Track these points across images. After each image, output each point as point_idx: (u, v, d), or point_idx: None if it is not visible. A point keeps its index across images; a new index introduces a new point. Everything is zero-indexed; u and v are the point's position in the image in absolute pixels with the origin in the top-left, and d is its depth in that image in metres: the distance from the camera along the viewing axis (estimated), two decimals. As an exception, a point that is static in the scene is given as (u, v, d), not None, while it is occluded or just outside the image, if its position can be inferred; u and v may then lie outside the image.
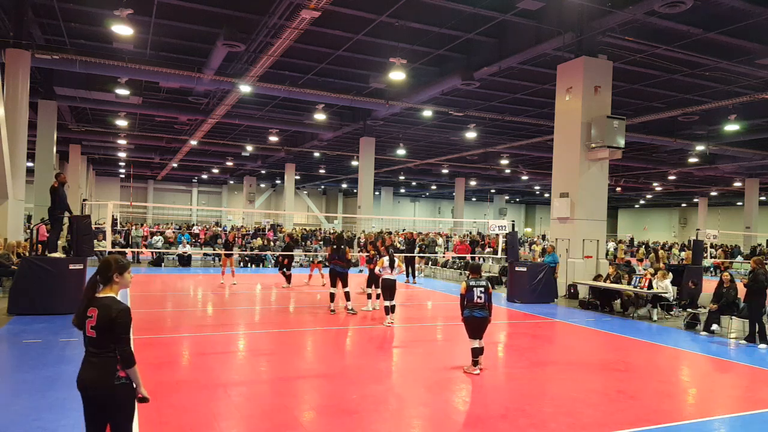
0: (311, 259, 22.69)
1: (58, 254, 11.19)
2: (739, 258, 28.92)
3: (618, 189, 35.76)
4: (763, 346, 9.53)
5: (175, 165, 39.59)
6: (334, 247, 11.60)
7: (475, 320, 7.00)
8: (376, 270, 10.68)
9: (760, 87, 16.98)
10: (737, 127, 21.09)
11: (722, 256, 28.36)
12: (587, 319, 11.89)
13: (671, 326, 11.42)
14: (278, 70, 17.47)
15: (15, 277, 10.35)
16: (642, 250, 30.18)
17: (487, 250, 24.11)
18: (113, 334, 3.22)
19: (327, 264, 13.61)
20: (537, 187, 48.41)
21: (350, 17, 13.76)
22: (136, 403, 3.38)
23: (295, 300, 13.67)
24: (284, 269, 15.62)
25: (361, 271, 21.63)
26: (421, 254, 22.69)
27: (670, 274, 12.70)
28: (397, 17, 13.55)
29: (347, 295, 11.54)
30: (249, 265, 23.15)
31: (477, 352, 7.05)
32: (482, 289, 7.01)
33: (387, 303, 10.38)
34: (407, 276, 18.73)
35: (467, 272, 7.43)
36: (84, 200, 11.87)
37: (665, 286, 12.16)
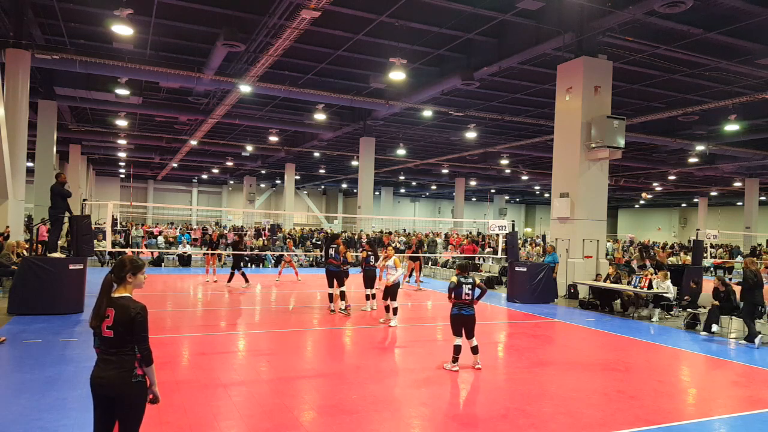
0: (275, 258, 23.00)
1: (58, 254, 11.18)
2: (739, 258, 28.90)
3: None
4: (764, 345, 9.54)
5: (175, 165, 39.60)
6: (326, 247, 11.77)
7: (463, 318, 7.14)
8: (390, 276, 10.49)
9: (760, 87, 16.99)
10: (737, 127, 21.09)
11: (726, 255, 28.36)
12: (587, 319, 11.89)
13: (671, 326, 11.42)
14: (278, 70, 17.47)
15: (15, 277, 10.34)
16: (631, 249, 30.18)
17: (487, 250, 24.11)
18: (132, 333, 3.28)
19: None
20: (537, 187, 48.41)
21: (350, 17, 13.77)
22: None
23: (295, 300, 13.67)
24: (234, 270, 15.43)
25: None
26: (421, 255, 22.66)
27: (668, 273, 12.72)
28: (397, 17, 13.55)
29: (342, 295, 11.49)
30: (249, 265, 23.15)
31: (458, 350, 7.18)
32: (470, 286, 7.20)
33: (394, 303, 10.41)
34: (409, 276, 18.69)
35: (455, 270, 7.47)
36: (84, 200, 11.86)
37: (666, 287, 12.16)
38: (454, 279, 7.20)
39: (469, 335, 7.24)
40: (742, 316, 9.99)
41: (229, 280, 15.43)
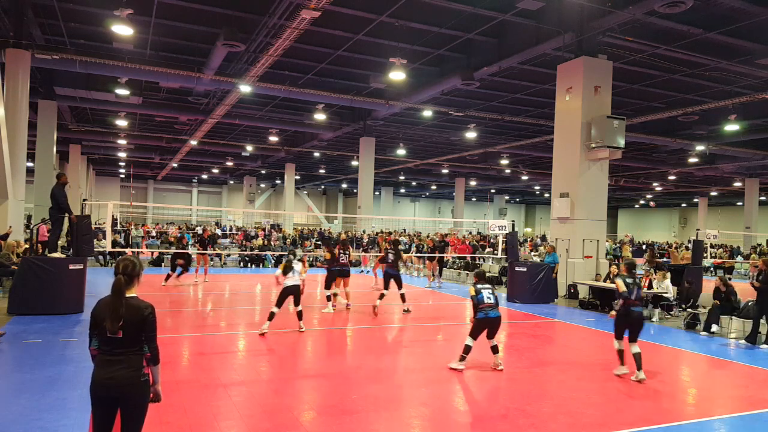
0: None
1: (58, 254, 11.17)
2: (739, 258, 28.91)
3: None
4: (764, 346, 9.53)
5: (175, 165, 39.60)
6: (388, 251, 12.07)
7: (490, 321, 7.13)
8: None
9: (760, 87, 16.99)
10: (737, 127, 21.09)
11: (726, 256, 28.36)
12: (587, 319, 11.89)
13: (671, 326, 11.42)
14: (278, 70, 17.48)
15: (15, 277, 10.33)
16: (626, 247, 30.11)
17: (487, 249, 24.11)
18: (142, 332, 3.30)
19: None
20: (537, 187, 48.41)
21: (350, 17, 13.77)
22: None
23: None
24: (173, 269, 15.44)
25: (362, 271, 21.65)
26: (419, 254, 22.69)
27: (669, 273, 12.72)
28: (397, 17, 13.56)
29: (402, 297, 11.77)
30: (249, 265, 23.16)
31: (468, 350, 7.18)
32: (490, 291, 7.26)
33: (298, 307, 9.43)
34: (433, 276, 18.81)
35: (473, 278, 7.50)
36: (84, 200, 11.86)
37: (666, 287, 12.16)
38: (473, 290, 7.21)
39: (491, 336, 7.25)
40: (753, 317, 9.85)
41: (166, 280, 15.24)
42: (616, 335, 7.28)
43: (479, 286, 7.23)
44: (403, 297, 11.76)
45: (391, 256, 11.65)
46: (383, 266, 12.08)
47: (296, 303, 9.25)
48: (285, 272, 9.12)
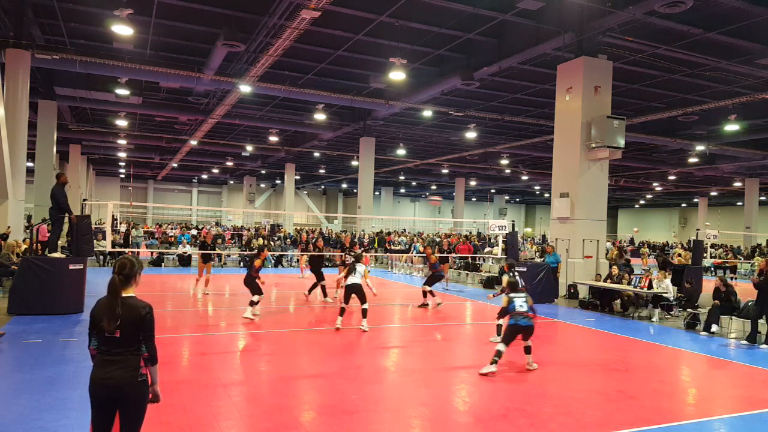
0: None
1: (58, 254, 11.17)
2: (739, 258, 28.88)
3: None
4: (764, 346, 9.52)
5: (175, 165, 39.60)
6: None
7: (520, 328, 7.28)
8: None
9: (760, 87, 16.98)
10: (737, 127, 21.09)
11: (726, 255, 28.35)
12: (587, 319, 11.89)
13: (671, 326, 11.42)
14: (278, 70, 17.48)
15: (15, 277, 10.33)
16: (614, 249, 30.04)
17: (487, 249, 24.09)
18: (141, 332, 3.30)
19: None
20: (537, 187, 48.41)
21: (350, 17, 13.77)
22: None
23: (295, 300, 13.66)
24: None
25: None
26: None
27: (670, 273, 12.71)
28: (397, 17, 13.56)
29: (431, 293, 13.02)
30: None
31: (500, 355, 7.19)
32: (523, 299, 7.41)
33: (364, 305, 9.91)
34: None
35: (507, 289, 8.00)
36: (84, 200, 11.85)
37: (666, 287, 12.16)
38: (506, 298, 7.51)
39: (526, 338, 7.41)
40: (751, 317, 9.87)
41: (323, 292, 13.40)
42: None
43: (512, 295, 7.47)
44: (432, 293, 13.02)
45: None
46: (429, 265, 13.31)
47: (362, 301, 9.71)
48: (347, 275, 9.86)
